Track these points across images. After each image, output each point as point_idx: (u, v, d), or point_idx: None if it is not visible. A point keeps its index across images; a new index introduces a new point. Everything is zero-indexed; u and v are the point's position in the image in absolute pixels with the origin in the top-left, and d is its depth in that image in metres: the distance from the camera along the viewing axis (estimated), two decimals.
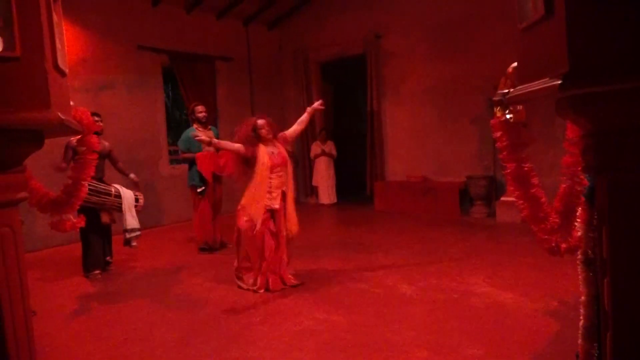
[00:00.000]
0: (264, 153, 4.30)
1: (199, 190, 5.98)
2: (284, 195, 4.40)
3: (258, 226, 4.26)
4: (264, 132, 4.36)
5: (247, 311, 3.89)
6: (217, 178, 6.08)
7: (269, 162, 4.28)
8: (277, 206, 4.37)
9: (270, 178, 4.30)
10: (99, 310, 4.09)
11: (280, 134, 4.52)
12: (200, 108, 6.17)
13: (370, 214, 8.48)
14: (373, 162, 9.11)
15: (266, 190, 4.27)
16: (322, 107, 4.67)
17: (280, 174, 4.36)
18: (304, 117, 4.63)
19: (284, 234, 4.44)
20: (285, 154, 4.42)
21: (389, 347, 3.08)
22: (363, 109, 9.34)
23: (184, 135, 6.13)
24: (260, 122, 4.38)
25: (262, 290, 4.31)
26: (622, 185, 1.26)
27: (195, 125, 6.11)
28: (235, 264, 4.54)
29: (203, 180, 5.94)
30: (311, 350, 3.10)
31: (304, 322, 3.58)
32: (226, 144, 4.44)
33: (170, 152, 8.63)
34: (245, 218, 4.29)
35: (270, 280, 4.37)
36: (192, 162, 5.99)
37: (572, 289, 3.79)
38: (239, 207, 4.37)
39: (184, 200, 8.29)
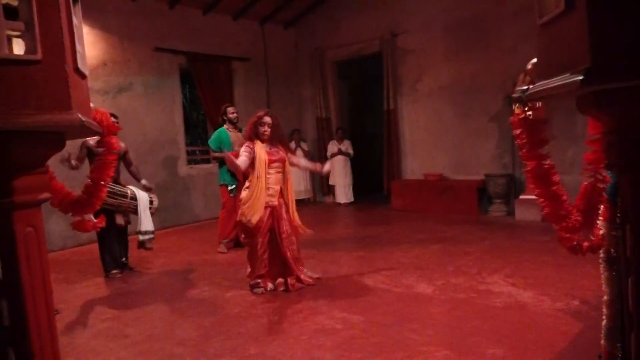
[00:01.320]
0: (260, 148, 4.29)
1: (230, 188, 6.03)
2: (282, 194, 4.40)
3: (253, 221, 4.16)
4: (262, 129, 4.35)
5: (265, 310, 3.91)
6: (246, 177, 6.12)
7: (266, 157, 4.27)
8: (275, 203, 4.35)
9: (268, 174, 4.28)
10: (120, 309, 4.15)
11: (288, 147, 4.62)
12: (232, 109, 6.27)
13: (387, 213, 8.45)
14: (390, 160, 9.07)
15: (264, 187, 4.25)
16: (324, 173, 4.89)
17: (278, 170, 4.36)
18: (310, 165, 4.88)
19: (287, 232, 4.39)
20: (283, 155, 4.41)
21: (407, 346, 3.06)
22: (380, 108, 9.31)
23: (215, 135, 6.21)
24: (266, 118, 4.36)
25: (262, 291, 4.32)
26: None
27: (226, 126, 6.19)
28: (248, 269, 4.49)
29: (234, 179, 5.99)
30: (329, 349, 3.10)
31: (322, 321, 3.58)
32: (236, 166, 4.22)
33: (188, 153, 8.71)
34: (244, 219, 4.21)
35: (288, 280, 4.36)
36: (222, 161, 6.03)
37: (594, 289, 3.74)
38: (239, 203, 4.35)
39: (202, 200, 8.39)
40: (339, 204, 9.56)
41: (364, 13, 9.15)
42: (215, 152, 6.13)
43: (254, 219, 4.17)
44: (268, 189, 4.28)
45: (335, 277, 4.66)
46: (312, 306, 3.92)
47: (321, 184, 10.13)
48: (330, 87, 10.00)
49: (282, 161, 4.39)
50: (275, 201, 4.34)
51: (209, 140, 6.31)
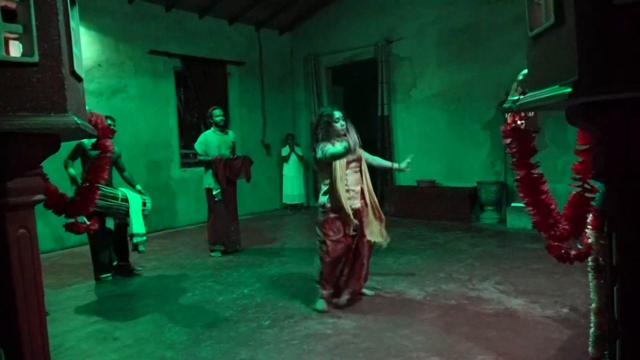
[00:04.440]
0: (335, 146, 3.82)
1: (214, 193, 5.98)
2: (364, 195, 3.97)
3: (354, 222, 3.82)
4: (338, 127, 3.88)
5: (256, 314, 3.90)
6: (231, 182, 6.09)
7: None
8: (357, 206, 3.90)
9: (346, 174, 3.87)
10: (111, 312, 4.14)
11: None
12: (217, 112, 6.11)
13: None
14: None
15: (345, 189, 3.83)
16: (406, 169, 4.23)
17: (356, 169, 3.95)
18: (385, 164, 4.52)
19: (367, 239, 3.99)
20: (359, 152, 4.00)
21: (398, 352, 3.07)
22: (374, 114, 9.34)
23: (200, 138, 6.11)
24: (337, 113, 3.90)
25: (331, 308, 3.89)
26: (632, 192, 1.26)
27: (212, 129, 6.10)
28: (317, 277, 4.00)
29: (218, 183, 5.95)
30: (320, 354, 3.10)
31: (313, 326, 3.59)
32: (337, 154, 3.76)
33: (181, 156, 8.69)
34: (332, 217, 3.83)
35: (344, 294, 4.00)
36: (208, 165, 6.01)
37: (583, 296, 3.77)
38: (322, 210, 3.90)
39: (195, 203, 8.36)
40: None
41: (359, 19, 9.19)
42: (201, 155, 6.04)
43: (352, 221, 3.82)
44: (348, 191, 3.86)
45: None
46: (304, 311, 3.92)
47: (315, 189, 10.13)
48: (324, 93, 10.03)
49: (359, 159, 3.97)
50: (357, 204, 3.91)
51: (195, 144, 6.18)
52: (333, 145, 3.83)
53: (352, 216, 3.82)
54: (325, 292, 3.93)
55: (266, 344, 3.31)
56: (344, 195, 3.79)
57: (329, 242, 3.83)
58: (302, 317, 3.78)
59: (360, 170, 4.00)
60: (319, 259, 3.93)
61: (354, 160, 3.91)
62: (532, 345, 3.08)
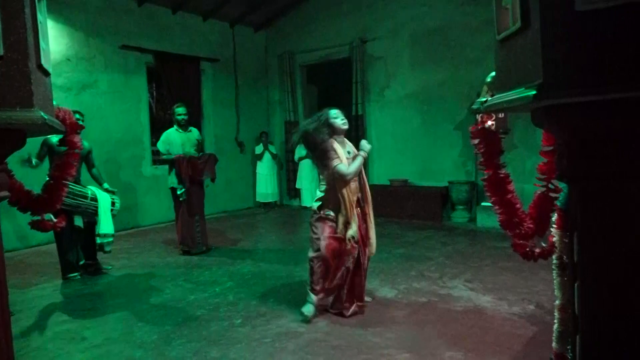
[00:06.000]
0: (339, 149, 3.58)
1: (178, 192, 5.81)
2: (359, 203, 3.73)
3: (357, 236, 3.56)
4: (341, 122, 3.64)
5: (228, 313, 3.88)
6: (196, 181, 5.93)
7: (346, 160, 3.57)
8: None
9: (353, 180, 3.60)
10: (79, 311, 4.05)
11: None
12: (180, 110, 5.95)
13: None
14: None
15: (350, 195, 3.57)
16: None
17: (355, 177, 3.66)
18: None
19: (366, 249, 3.77)
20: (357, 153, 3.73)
21: (369, 349, 3.11)
22: (347, 113, 9.38)
23: (163, 137, 5.94)
24: (333, 111, 3.66)
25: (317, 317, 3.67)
26: (593, 192, 1.31)
27: (175, 127, 5.97)
28: (313, 284, 3.70)
29: (182, 183, 5.79)
30: (291, 352, 3.11)
31: (285, 324, 3.59)
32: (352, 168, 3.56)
33: (153, 153, 8.57)
34: (331, 230, 3.57)
35: (347, 304, 3.72)
36: (172, 164, 5.85)
37: (549, 294, 3.87)
38: (318, 216, 3.65)
39: (167, 201, 8.24)
40: (305, 207, 9.57)
41: (335, 18, 9.23)
42: (164, 154, 5.89)
43: (355, 234, 3.54)
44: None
45: (298, 280, 4.67)
46: (276, 309, 3.92)
47: (288, 188, 10.13)
48: (299, 91, 10.03)
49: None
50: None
51: (157, 143, 6.01)
52: (334, 143, 3.60)
53: (355, 224, 3.57)
54: (316, 298, 3.66)
55: (238, 342, 3.30)
56: (351, 201, 3.55)
57: (322, 239, 3.59)
58: (274, 316, 3.78)
59: (360, 177, 3.75)
60: (311, 261, 3.68)
61: None
62: (499, 342, 3.16)
